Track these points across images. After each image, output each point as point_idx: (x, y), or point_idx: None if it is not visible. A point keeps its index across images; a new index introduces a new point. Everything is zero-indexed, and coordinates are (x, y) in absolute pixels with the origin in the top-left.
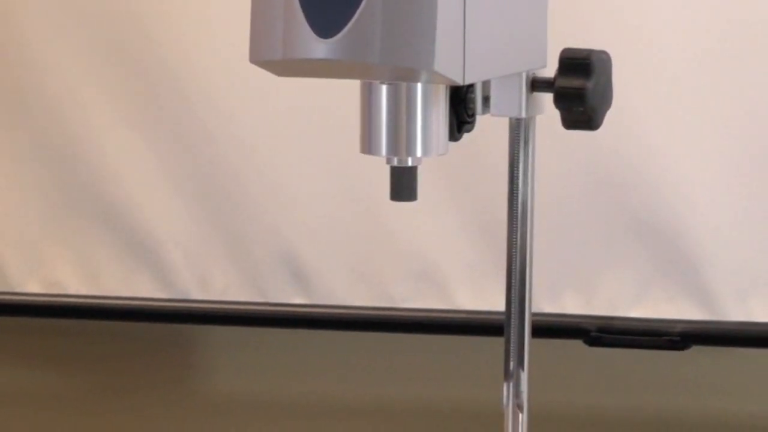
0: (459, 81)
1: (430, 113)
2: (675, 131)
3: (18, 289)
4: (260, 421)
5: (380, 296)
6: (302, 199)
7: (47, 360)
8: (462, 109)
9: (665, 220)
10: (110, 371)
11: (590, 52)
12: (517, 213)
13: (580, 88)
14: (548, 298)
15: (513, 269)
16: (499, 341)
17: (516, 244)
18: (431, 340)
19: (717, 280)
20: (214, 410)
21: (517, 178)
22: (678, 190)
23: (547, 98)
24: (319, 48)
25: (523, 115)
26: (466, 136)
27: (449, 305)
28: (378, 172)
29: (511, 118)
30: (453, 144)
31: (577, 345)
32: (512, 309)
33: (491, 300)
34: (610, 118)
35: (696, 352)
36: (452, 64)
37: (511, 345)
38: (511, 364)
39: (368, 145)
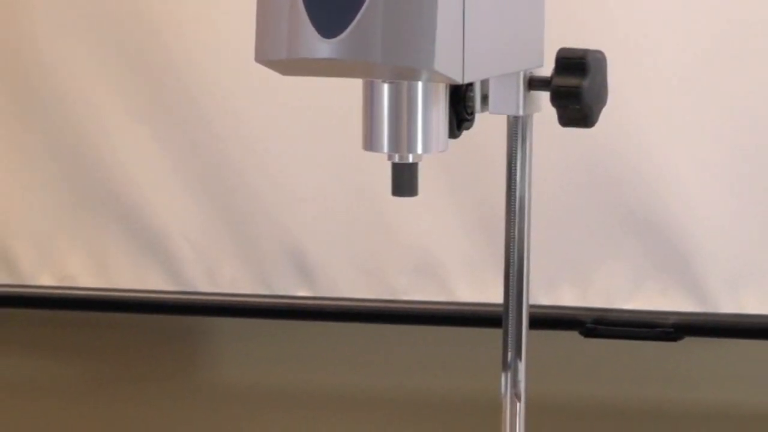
0: (458, 80)
1: (430, 111)
2: (668, 129)
3: (31, 282)
4: (266, 408)
5: (382, 289)
6: (307, 195)
7: (59, 350)
8: (461, 107)
9: (659, 216)
10: (120, 361)
11: (586, 51)
12: (514, 208)
13: (575, 87)
14: (545, 291)
15: (511, 263)
16: (497, 332)
17: (514, 238)
18: (432, 331)
19: (709, 274)
20: (221, 398)
21: (515, 175)
22: (672, 187)
23: (543, 96)
24: (323, 48)
25: (521, 113)
26: (465, 133)
27: (449, 298)
28: (380, 168)
29: (509, 116)
30: (453, 141)
31: (573, 336)
32: (510, 301)
33: (490, 292)
34: (604, 115)
35: (688, 343)
36: (452, 63)
37: (509, 336)
38: (509, 354)
39: (370, 143)
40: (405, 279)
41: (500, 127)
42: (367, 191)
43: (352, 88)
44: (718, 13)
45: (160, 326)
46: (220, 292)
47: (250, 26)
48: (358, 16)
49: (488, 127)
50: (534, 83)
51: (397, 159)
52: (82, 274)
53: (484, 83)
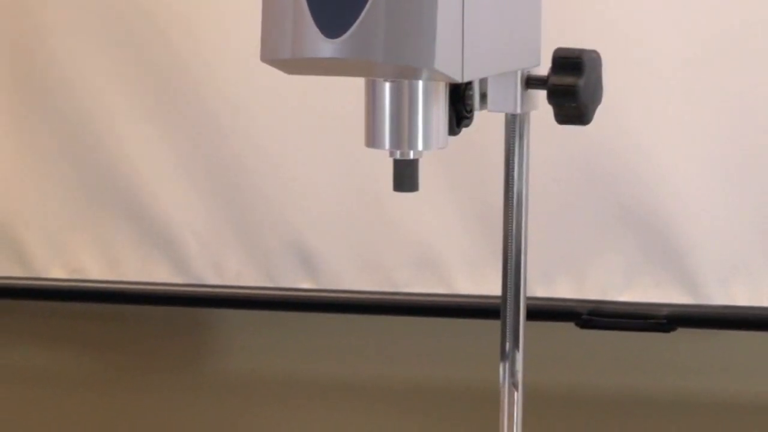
0: (458, 79)
1: (430, 109)
2: (662, 126)
3: (42, 275)
4: (271, 397)
5: (384, 281)
6: (310, 191)
7: (70, 342)
8: (461, 105)
9: (653, 211)
10: (129, 352)
11: (581, 51)
12: (512, 203)
13: (572, 86)
14: (542, 283)
15: (509, 256)
16: (495, 324)
17: (511, 232)
18: (432, 322)
19: (701, 267)
20: (227, 388)
21: (513, 171)
22: (665, 182)
23: (540, 95)
24: (326, 47)
25: (519, 110)
26: (464, 130)
27: (449, 290)
28: (382, 164)
29: (507, 114)
30: (452, 138)
31: (569, 327)
32: (508, 293)
33: (488, 285)
34: (600, 113)
35: (681, 334)
36: (452, 62)
37: (507, 327)
38: (507, 345)
39: (372, 139)
40: (406, 272)
41: (498, 124)
42: (369, 187)
43: (355, 86)
44: (714, 12)
45: (167, 317)
46: (226, 284)
47: (256, 26)
48: (361, 17)
49: (487, 124)
50: (531, 82)
51: (398, 155)
52: (92, 267)
53: (483, 82)
